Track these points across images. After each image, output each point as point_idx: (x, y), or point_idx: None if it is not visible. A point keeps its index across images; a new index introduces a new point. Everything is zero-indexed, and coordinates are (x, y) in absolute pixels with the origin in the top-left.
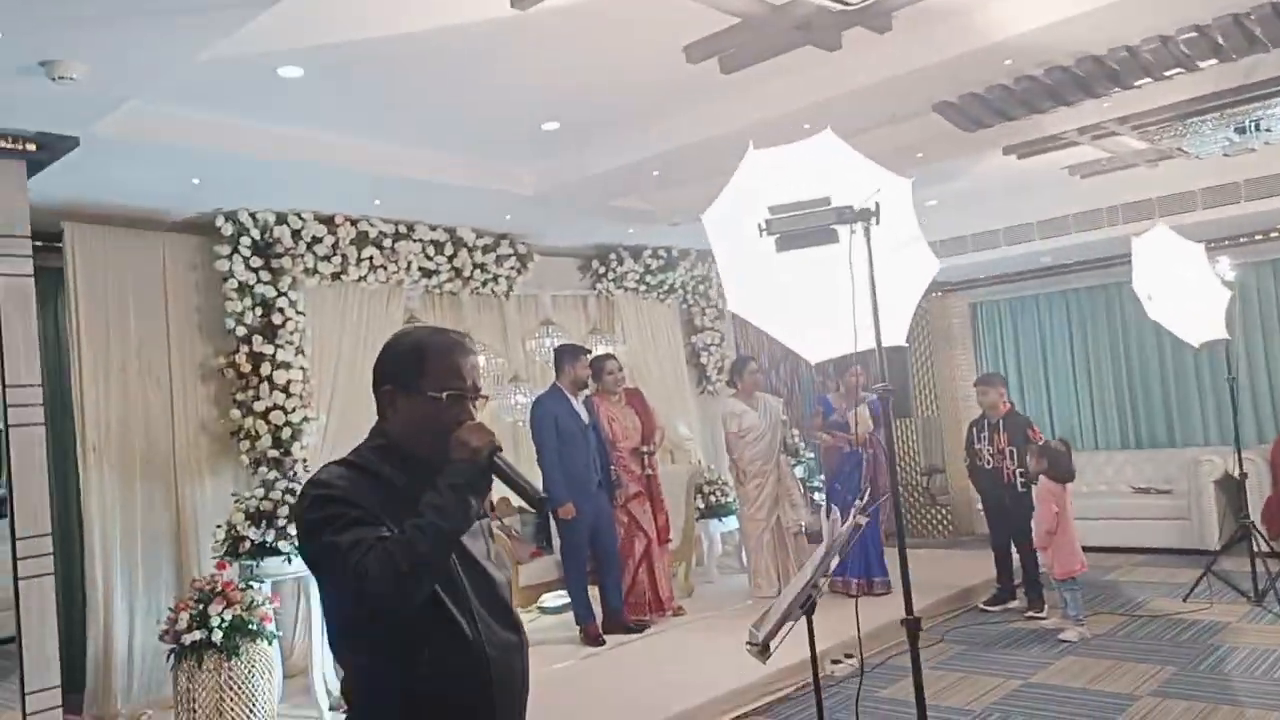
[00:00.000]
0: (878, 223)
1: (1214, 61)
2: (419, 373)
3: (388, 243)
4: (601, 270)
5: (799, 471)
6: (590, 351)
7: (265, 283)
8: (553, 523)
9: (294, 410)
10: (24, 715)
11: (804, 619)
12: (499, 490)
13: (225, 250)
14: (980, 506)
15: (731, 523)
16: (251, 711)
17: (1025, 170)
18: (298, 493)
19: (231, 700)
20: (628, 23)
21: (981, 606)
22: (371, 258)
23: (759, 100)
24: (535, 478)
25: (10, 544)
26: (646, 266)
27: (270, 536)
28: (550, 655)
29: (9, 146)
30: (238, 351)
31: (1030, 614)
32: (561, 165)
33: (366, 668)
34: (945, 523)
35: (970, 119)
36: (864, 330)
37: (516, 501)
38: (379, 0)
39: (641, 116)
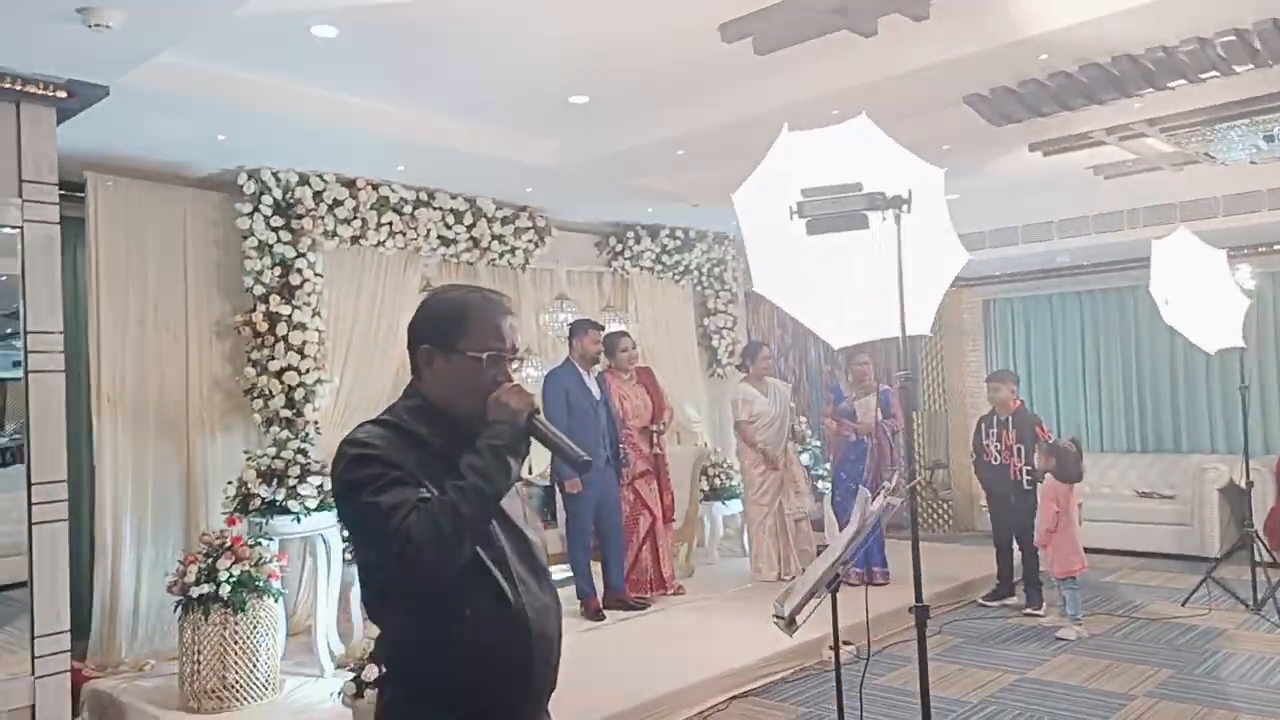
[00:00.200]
0: (909, 211)
1: (1250, 66)
2: (459, 333)
3: (408, 209)
4: (618, 248)
5: (805, 459)
6: (603, 327)
7: (285, 243)
8: (558, 496)
9: (308, 371)
10: (33, 658)
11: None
12: None
13: (247, 208)
14: (984, 502)
15: (734, 506)
16: (254, 666)
17: (1049, 168)
18: (334, 453)
19: (235, 654)
20: None
21: (980, 601)
22: (391, 223)
23: (789, 83)
24: (543, 451)
25: (26, 489)
26: (663, 246)
27: (280, 495)
28: None
29: (40, 92)
30: (255, 310)
31: (1028, 611)
32: (586, 139)
33: (405, 628)
34: (946, 517)
35: (1000, 113)
36: (887, 318)
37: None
38: None
39: (670, 94)
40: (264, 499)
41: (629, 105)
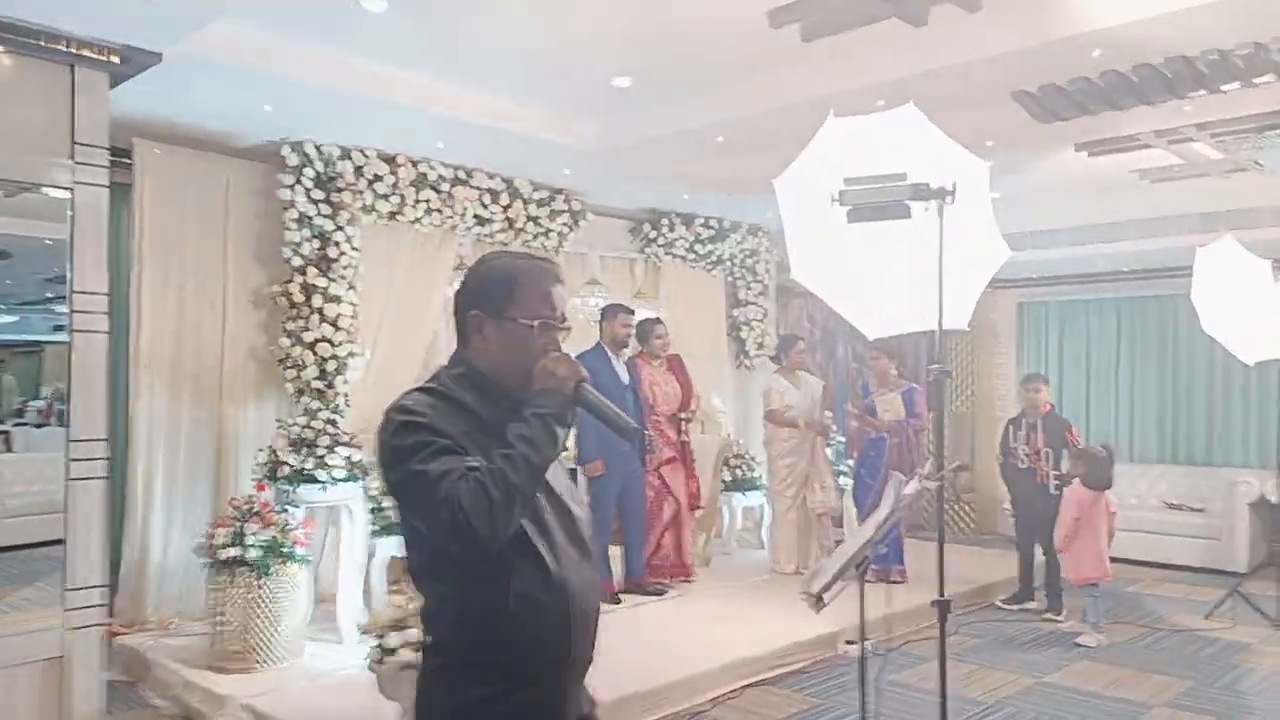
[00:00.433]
0: (953, 202)
1: None
2: (510, 299)
3: (445, 186)
4: (652, 235)
5: (828, 454)
6: (634, 312)
7: (325, 216)
8: (580, 478)
9: (340, 344)
10: (66, 610)
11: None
12: None
13: (289, 180)
14: (1007, 505)
15: (755, 497)
16: (277, 630)
17: (1093, 170)
18: (382, 419)
19: (259, 618)
20: None
21: (999, 604)
22: (429, 200)
23: (832, 72)
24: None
25: (64, 446)
26: (697, 235)
27: (309, 464)
28: None
29: (95, 56)
30: (291, 281)
31: (1048, 616)
32: (626, 123)
33: (449, 598)
34: (968, 519)
35: (1048, 110)
36: (925, 310)
37: None
38: None
39: (713, 80)
40: (293, 467)
41: (671, 90)
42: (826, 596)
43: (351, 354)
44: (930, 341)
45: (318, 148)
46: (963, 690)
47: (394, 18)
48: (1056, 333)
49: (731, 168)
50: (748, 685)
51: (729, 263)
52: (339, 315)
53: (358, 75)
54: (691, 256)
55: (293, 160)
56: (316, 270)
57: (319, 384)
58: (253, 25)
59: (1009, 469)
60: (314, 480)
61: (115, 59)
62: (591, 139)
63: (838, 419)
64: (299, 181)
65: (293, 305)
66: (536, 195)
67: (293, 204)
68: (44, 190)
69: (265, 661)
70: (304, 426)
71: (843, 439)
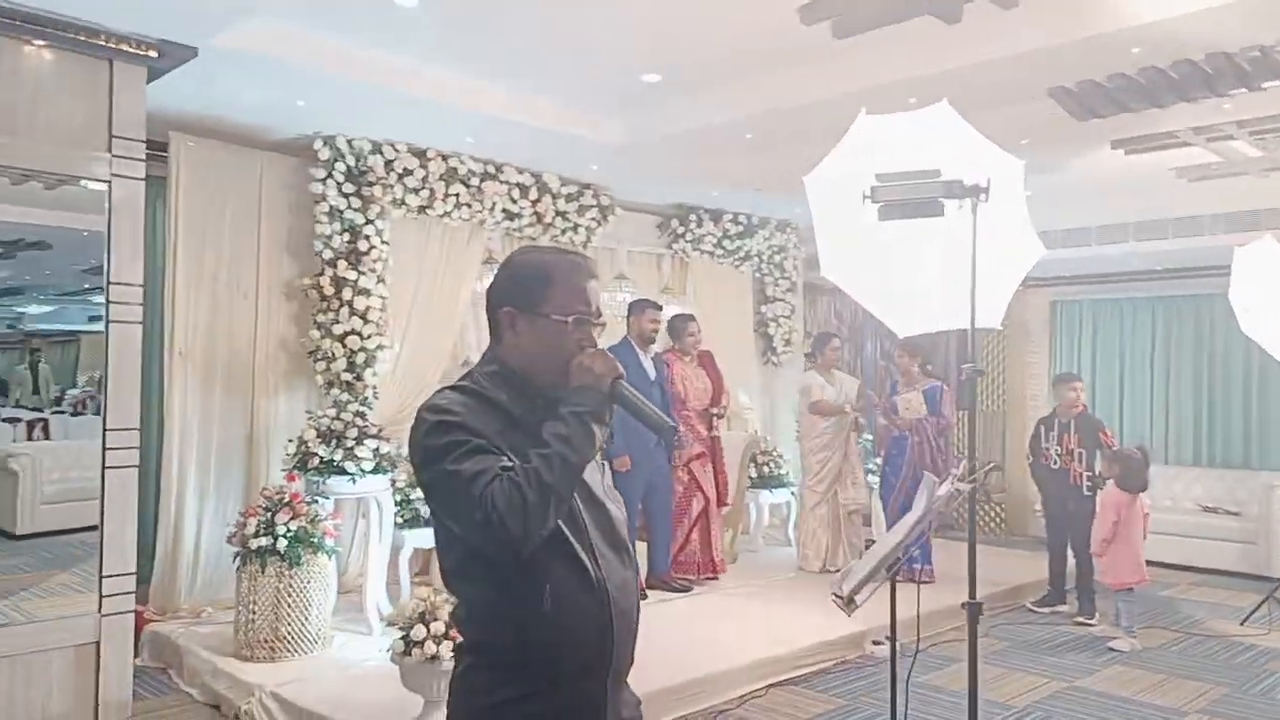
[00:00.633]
0: (986, 200)
1: None
2: (543, 294)
3: (475, 181)
4: (680, 230)
5: (861, 449)
6: (661, 307)
7: (355, 209)
8: (608, 473)
9: (370, 337)
10: (99, 597)
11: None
12: None
13: (320, 174)
14: (1038, 506)
15: (781, 494)
16: (306, 619)
17: (1129, 167)
18: (415, 418)
19: (288, 607)
20: None
21: (1029, 606)
22: (458, 195)
23: (864, 68)
24: None
25: (100, 435)
26: (725, 231)
27: (338, 456)
28: None
29: (133, 51)
30: (322, 274)
31: (1080, 619)
32: (655, 119)
33: (484, 600)
34: (998, 520)
35: (1085, 107)
36: (957, 308)
37: None
38: None
39: (743, 76)
40: (322, 458)
41: (701, 86)
42: (858, 598)
43: (380, 346)
44: (961, 340)
45: (349, 142)
46: (992, 693)
47: (425, 14)
48: (1090, 332)
49: (761, 164)
50: (773, 685)
51: (757, 259)
52: (368, 308)
53: (389, 70)
54: (719, 252)
55: (324, 154)
56: (347, 263)
57: (348, 376)
58: (286, 21)
59: (1039, 469)
60: (343, 472)
61: (153, 53)
62: (620, 134)
63: (867, 416)
64: (330, 175)
65: (323, 298)
66: (565, 190)
67: (324, 197)
68: (83, 183)
69: (294, 651)
70: (333, 419)
71: (870, 437)
